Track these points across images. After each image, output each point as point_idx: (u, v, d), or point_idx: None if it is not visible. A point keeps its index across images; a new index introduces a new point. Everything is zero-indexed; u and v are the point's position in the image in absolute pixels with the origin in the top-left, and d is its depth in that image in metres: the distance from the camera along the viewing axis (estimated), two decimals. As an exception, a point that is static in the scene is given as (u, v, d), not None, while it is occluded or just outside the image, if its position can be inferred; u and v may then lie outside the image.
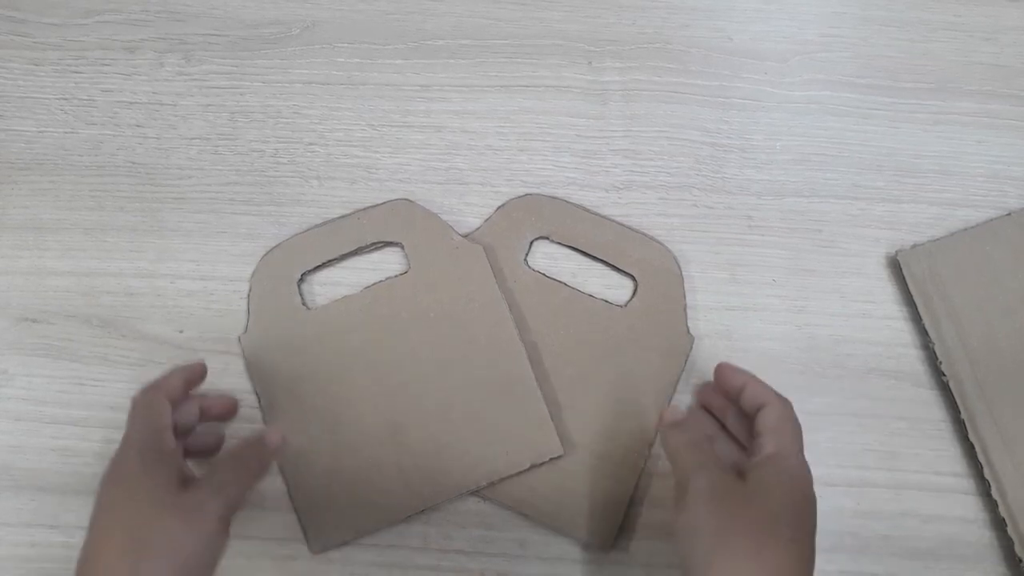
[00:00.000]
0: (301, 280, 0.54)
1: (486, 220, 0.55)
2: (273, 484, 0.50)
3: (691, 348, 0.52)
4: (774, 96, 0.59)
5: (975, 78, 0.60)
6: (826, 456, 0.51)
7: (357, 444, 0.50)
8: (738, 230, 0.56)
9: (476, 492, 0.50)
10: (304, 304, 0.53)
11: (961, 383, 0.51)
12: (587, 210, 0.56)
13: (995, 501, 0.49)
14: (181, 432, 0.45)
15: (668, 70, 0.60)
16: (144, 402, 0.43)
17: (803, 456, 0.42)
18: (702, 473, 0.40)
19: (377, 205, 0.55)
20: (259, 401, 0.51)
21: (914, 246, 0.55)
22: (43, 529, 0.49)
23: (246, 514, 0.48)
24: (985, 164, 0.58)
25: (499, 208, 0.56)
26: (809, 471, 0.41)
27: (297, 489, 0.49)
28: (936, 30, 0.61)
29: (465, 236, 0.54)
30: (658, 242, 0.55)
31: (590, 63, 0.60)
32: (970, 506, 0.50)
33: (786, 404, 0.43)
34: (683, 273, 0.54)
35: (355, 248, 0.54)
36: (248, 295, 0.53)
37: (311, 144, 0.58)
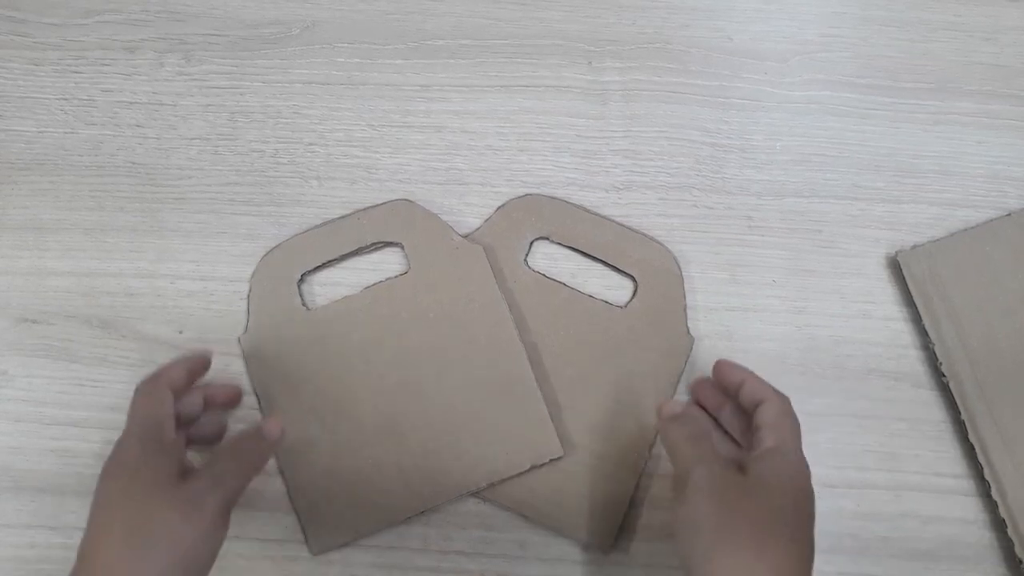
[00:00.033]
0: (301, 280, 0.54)
1: (486, 220, 0.55)
2: (273, 485, 0.50)
3: (691, 349, 0.52)
4: (774, 96, 0.59)
5: (975, 78, 0.60)
6: (826, 457, 0.51)
7: (357, 444, 0.50)
8: (738, 230, 0.56)
9: (476, 493, 0.50)
10: (304, 304, 0.53)
11: (961, 384, 0.51)
12: (587, 210, 0.56)
13: (995, 502, 0.49)
14: (184, 422, 0.45)
15: (668, 70, 0.60)
16: (146, 392, 0.43)
17: (802, 451, 0.42)
18: (702, 466, 0.40)
19: (377, 205, 0.55)
20: (259, 401, 0.51)
21: (914, 247, 0.55)
22: (43, 530, 0.49)
23: (246, 514, 0.48)
24: (985, 164, 0.58)
25: (499, 208, 0.56)
26: (808, 466, 0.41)
27: (297, 490, 0.49)
28: (936, 30, 0.61)
29: (465, 236, 0.54)
30: (658, 242, 0.55)
31: (590, 63, 0.60)
32: (970, 507, 0.50)
33: (785, 400, 0.44)
34: (683, 273, 0.54)
35: (355, 248, 0.54)
36: (248, 295, 0.53)
37: (311, 144, 0.57)
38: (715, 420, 0.49)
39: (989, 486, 0.49)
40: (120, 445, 0.41)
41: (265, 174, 0.57)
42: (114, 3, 0.61)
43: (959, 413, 0.51)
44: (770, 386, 0.44)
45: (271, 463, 0.50)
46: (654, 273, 0.54)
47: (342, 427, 0.50)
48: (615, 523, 0.49)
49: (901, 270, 0.54)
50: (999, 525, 0.49)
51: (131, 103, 0.58)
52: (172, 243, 0.55)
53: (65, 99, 0.58)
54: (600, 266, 0.55)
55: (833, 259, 0.55)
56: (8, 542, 0.49)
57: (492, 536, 0.50)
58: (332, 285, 0.54)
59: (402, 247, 0.54)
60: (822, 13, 0.62)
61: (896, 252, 0.54)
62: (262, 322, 0.53)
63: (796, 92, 0.59)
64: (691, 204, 0.56)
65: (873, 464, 0.51)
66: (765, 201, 0.57)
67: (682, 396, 0.52)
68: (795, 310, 0.54)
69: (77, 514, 0.49)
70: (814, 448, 0.49)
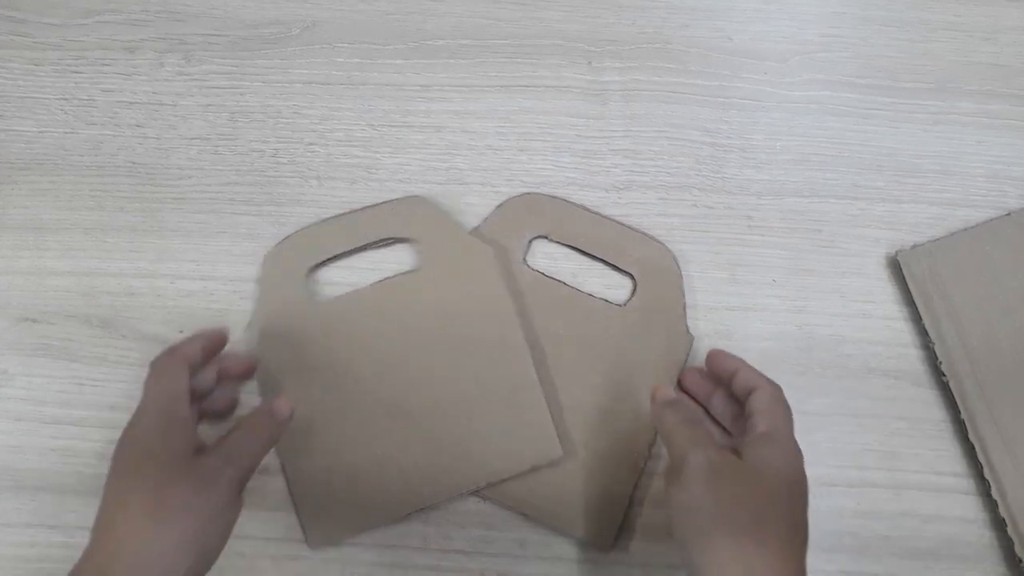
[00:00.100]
0: (311, 272, 0.54)
1: (484, 219, 0.55)
2: (273, 484, 0.50)
3: (690, 347, 0.52)
4: (774, 96, 0.59)
5: (975, 78, 0.60)
6: (826, 456, 0.51)
7: (358, 439, 0.50)
8: (738, 230, 0.56)
9: (475, 492, 0.50)
10: (312, 296, 0.53)
11: (961, 383, 0.51)
12: (586, 209, 0.56)
13: (995, 501, 0.49)
14: (198, 396, 0.45)
15: (668, 70, 0.60)
16: (162, 367, 0.43)
17: (794, 437, 0.42)
18: (699, 451, 0.40)
19: (390, 201, 0.55)
20: (260, 391, 0.51)
21: (914, 246, 0.55)
22: (43, 529, 0.49)
23: (246, 514, 0.48)
24: (985, 164, 0.58)
25: (498, 207, 0.56)
26: (800, 451, 0.42)
27: (297, 484, 0.49)
28: (936, 30, 0.61)
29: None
30: (657, 241, 0.55)
31: (590, 63, 0.60)
32: (970, 506, 0.50)
33: (777, 388, 0.44)
34: (683, 273, 0.54)
35: (366, 243, 0.54)
36: (256, 283, 0.53)
37: (311, 144, 0.58)
38: (704, 409, 0.49)
39: (989, 485, 0.49)
40: (135, 420, 0.41)
41: (265, 174, 0.57)
42: (114, 3, 0.61)
43: (959, 412, 0.51)
44: (763, 375, 0.45)
45: (273, 461, 0.50)
46: (653, 272, 0.54)
47: (343, 421, 0.50)
48: (615, 522, 0.49)
49: (901, 270, 0.54)
50: (999, 524, 0.49)
51: (131, 103, 0.58)
52: (172, 243, 0.55)
53: (65, 99, 0.58)
54: (599, 265, 0.55)
55: (833, 259, 0.55)
56: (8, 541, 0.49)
57: (492, 535, 0.50)
58: (341, 278, 0.54)
59: (413, 244, 0.54)
60: (822, 13, 0.62)
61: (896, 252, 0.54)
62: (269, 312, 0.52)
63: (796, 92, 0.60)
64: (691, 204, 0.56)
65: (873, 463, 0.51)
66: (765, 201, 0.57)
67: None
68: (795, 309, 0.54)
69: (77, 513, 0.49)
70: (814, 447, 0.49)
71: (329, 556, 0.49)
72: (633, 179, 0.57)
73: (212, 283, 0.54)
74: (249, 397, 0.51)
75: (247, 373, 0.50)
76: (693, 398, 0.50)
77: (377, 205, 0.55)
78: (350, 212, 0.55)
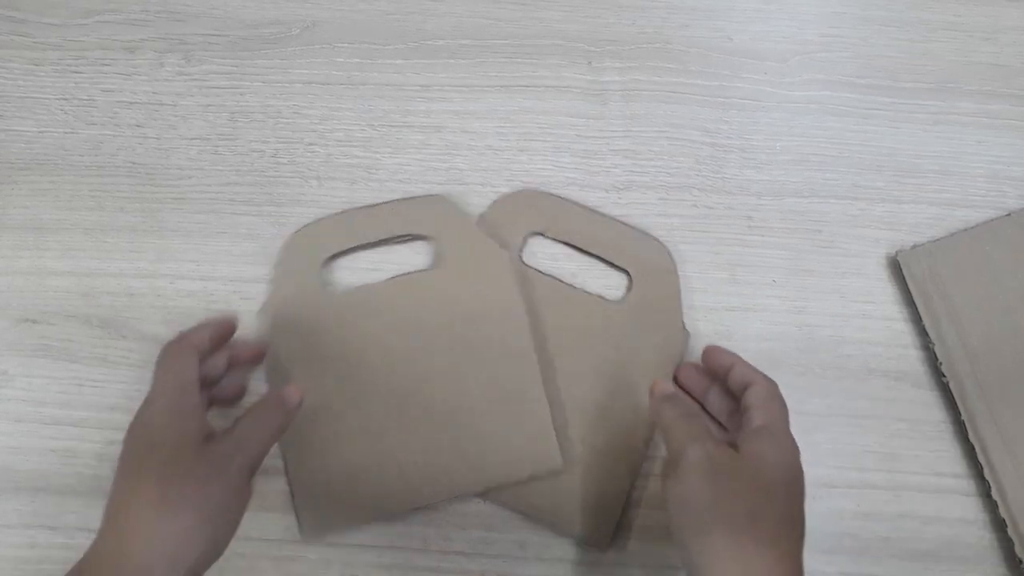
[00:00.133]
0: (327, 262, 0.53)
1: (480, 216, 0.55)
2: (273, 485, 0.50)
3: (687, 343, 0.52)
4: (774, 96, 0.59)
5: (975, 78, 0.60)
6: (826, 457, 0.51)
7: (359, 433, 0.50)
8: (738, 230, 0.56)
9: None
10: (327, 286, 0.53)
11: (961, 383, 0.51)
12: (582, 205, 0.56)
13: (995, 502, 0.49)
14: (207, 384, 0.45)
15: (668, 70, 0.60)
16: (171, 355, 0.43)
17: (790, 431, 0.43)
18: (697, 445, 0.41)
19: (413, 197, 0.55)
20: (268, 377, 0.51)
21: (914, 246, 0.55)
22: (43, 530, 0.49)
23: (246, 514, 0.48)
24: (985, 164, 0.58)
25: (492, 204, 0.55)
26: (796, 445, 0.42)
27: (295, 473, 0.49)
28: (936, 30, 0.61)
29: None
30: (653, 237, 0.55)
31: (590, 63, 0.60)
32: (970, 507, 0.50)
33: (772, 383, 0.44)
34: (683, 273, 0.54)
35: (385, 237, 0.54)
36: (273, 268, 0.53)
37: (311, 144, 0.57)
38: (700, 405, 0.49)
39: (989, 486, 0.49)
40: (145, 408, 0.41)
41: (265, 174, 0.57)
42: (114, 3, 0.61)
43: (959, 413, 0.51)
44: (759, 371, 0.45)
45: (273, 462, 0.50)
46: (649, 268, 0.54)
47: (347, 414, 0.50)
48: (612, 520, 0.49)
49: (901, 270, 0.54)
50: (999, 525, 0.49)
51: (131, 103, 0.58)
52: (172, 243, 0.55)
53: (65, 99, 0.58)
54: (595, 261, 0.55)
55: (833, 259, 0.55)
56: (8, 542, 0.49)
57: (492, 536, 0.50)
58: (357, 270, 0.54)
59: (431, 241, 0.54)
60: (822, 13, 0.62)
61: (896, 252, 0.54)
62: (283, 298, 0.52)
63: (796, 92, 0.59)
64: (691, 204, 0.56)
65: (873, 464, 0.51)
66: (765, 201, 0.57)
67: (681, 395, 0.52)
68: (795, 310, 0.54)
69: (77, 514, 0.49)
70: (814, 448, 0.49)
71: (329, 556, 0.49)
72: (633, 179, 0.57)
73: (212, 283, 0.54)
74: (258, 384, 0.51)
75: (257, 358, 0.50)
76: (689, 394, 0.50)
77: (399, 200, 0.55)
78: (371, 205, 0.55)
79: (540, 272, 0.54)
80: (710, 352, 0.48)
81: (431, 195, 0.55)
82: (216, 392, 0.47)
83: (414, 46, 0.60)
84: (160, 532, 0.37)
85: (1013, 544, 0.48)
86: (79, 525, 0.49)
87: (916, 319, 0.53)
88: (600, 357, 0.52)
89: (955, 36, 0.61)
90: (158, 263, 0.55)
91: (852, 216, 0.56)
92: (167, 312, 0.53)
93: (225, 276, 0.54)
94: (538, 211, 0.55)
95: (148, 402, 0.41)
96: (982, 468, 0.50)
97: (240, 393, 0.49)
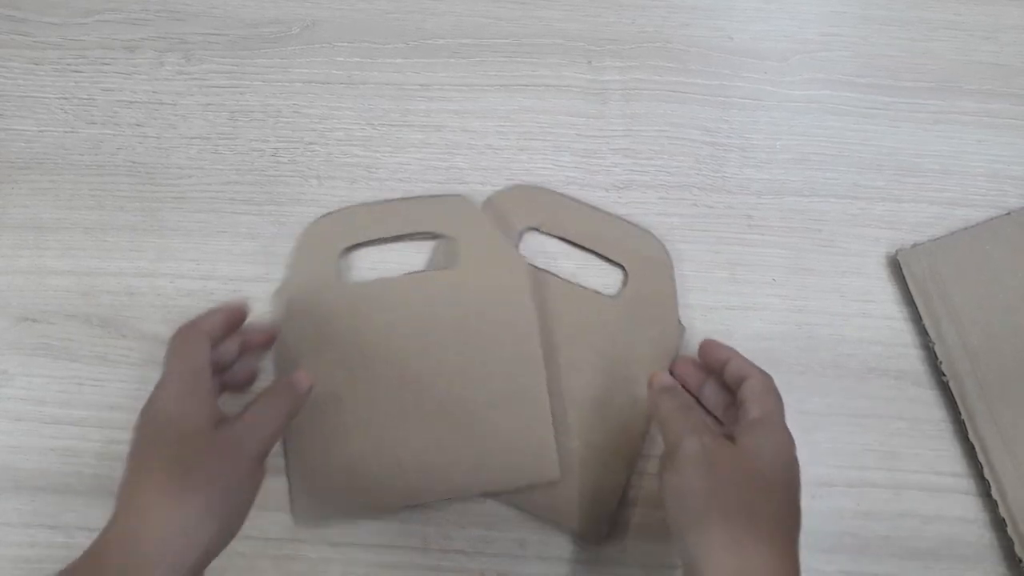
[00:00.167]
0: (345, 252, 0.54)
1: (476, 213, 0.55)
2: (273, 485, 0.50)
3: (682, 337, 0.52)
4: (774, 95, 0.59)
5: (975, 77, 0.60)
6: (826, 456, 0.51)
7: (361, 425, 0.50)
8: (738, 230, 0.56)
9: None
10: (342, 276, 0.53)
11: (961, 383, 0.51)
12: (577, 201, 0.56)
13: (995, 501, 0.49)
14: (219, 369, 0.45)
15: (668, 69, 0.60)
16: (182, 340, 0.43)
17: (785, 424, 0.43)
18: (694, 437, 0.41)
19: (436, 196, 0.55)
20: (276, 362, 0.51)
21: (914, 245, 0.55)
22: (43, 529, 0.49)
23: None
24: (985, 163, 0.58)
25: (488, 199, 0.56)
26: (792, 437, 0.42)
27: (294, 458, 0.49)
28: (936, 29, 0.61)
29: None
30: (648, 232, 0.55)
31: (590, 62, 0.60)
32: (970, 506, 0.50)
33: (768, 377, 0.44)
34: (683, 272, 0.54)
35: (405, 233, 0.54)
36: (292, 253, 0.54)
37: (311, 144, 0.57)
38: (696, 399, 0.49)
39: (989, 485, 0.49)
40: (157, 392, 0.41)
41: (265, 173, 0.57)
42: (114, 2, 0.61)
43: (959, 412, 0.51)
44: (755, 365, 0.45)
45: (273, 462, 0.49)
46: (644, 262, 0.54)
47: (351, 405, 0.50)
48: (607, 513, 0.49)
49: (901, 269, 0.54)
50: (999, 524, 0.49)
51: (131, 102, 0.58)
52: (172, 242, 0.55)
53: (65, 98, 0.58)
54: (591, 256, 0.55)
55: (833, 258, 0.55)
56: (8, 541, 0.49)
57: (492, 535, 0.50)
58: (373, 263, 0.54)
59: (450, 242, 0.54)
60: (822, 12, 0.62)
61: (896, 251, 0.54)
62: (298, 284, 0.53)
63: (796, 91, 0.59)
64: (691, 203, 0.56)
65: (873, 463, 0.51)
66: (765, 200, 0.57)
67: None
68: (795, 309, 0.54)
69: (77, 513, 0.49)
70: (814, 447, 0.50)
71: (329, 556, 0.49)
72: (633, 179, 0.57)
73: (212, 283, 0.54)
74: (270, 369, 0.51)
75: (269, 342, 0.50)
76: (684, 387, 0.50)
77: (421, 197, 0.55)
78: (394, 200, 0.55)
79: (536, 267, 0.54)
80: (707, 346, 0.48)
81: (454, 195, 0.55)
82: (227, 377, 0.47)
83: (414, 45, 0.60)
84: (172, 514, 0.37)
85: (1013, 543, 0.48)
86: (79, 524, 0.49)
87: (916, 318, 0.53)
88: (596, 351, 0.52)
89: (955, 35, 0.61)
90: (158, 262, 0.55)
91: (852, 215, 0.56)
92: (167, 311, 0.53)
93: (225, 275, 0.54)
94: (534, 206, 0.55)
95: (159, 387, 0.41)
96: (982, 467, 0.50)
97: (251, 378, 0.49)
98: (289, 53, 0.60)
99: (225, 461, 0.39)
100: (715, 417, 0.48)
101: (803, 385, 0.52)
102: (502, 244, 0.53)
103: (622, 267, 0.54)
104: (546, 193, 0.56)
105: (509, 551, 0.49)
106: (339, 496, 0.49)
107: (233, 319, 0.46)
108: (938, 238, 0.55)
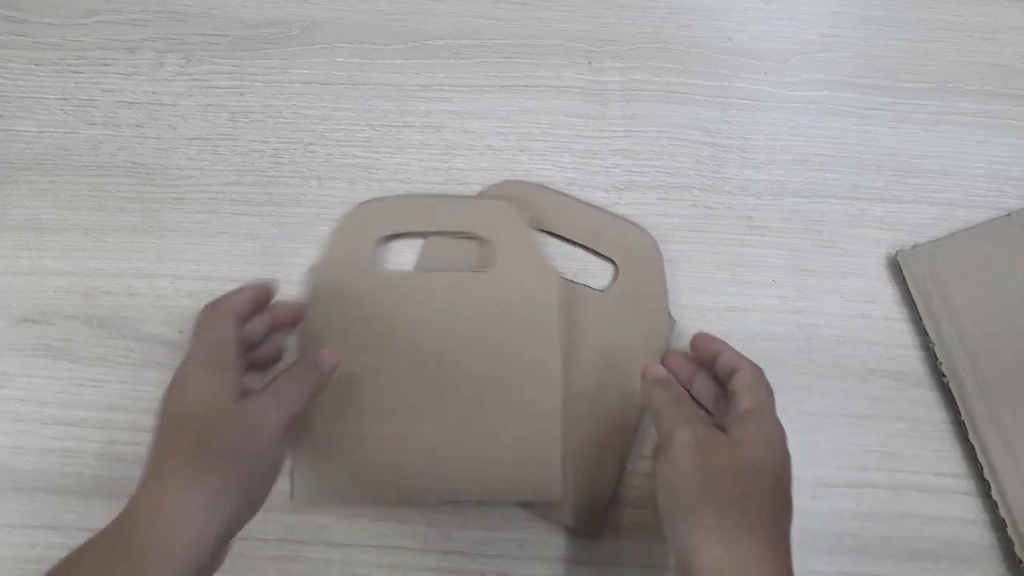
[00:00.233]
0: (382, 241, 0.54)
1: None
2: (274, 485, 0.49)
3: (673, 330, 0.52)
4: (774, 96, 0.59)
5: (975, 78, 0.60)
6: (826, 457, 0.51)
7: (370, 416, 0.50)
8: (738, 230, 0.56)
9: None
10: (375, 264, 0.53)
11: (961, 384, 0.51)
12: (567, 195, 0.56)
13: (995, 502, 0.49)
14: (245, 348, 0.45)
15: (668, 70, 0.60)
16: (208, 318, 0.43)
17: (776, 415, 0.43)
18: (687, 427, 0.41)
19: (480, 198, 0.55)
20: (298, 340, 0.51)
21: (914, 246, 0.55)
22: (43, 529, 0.49)
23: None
24: (985, 164, 0.58)
25: (478, 194, 0.56)
26: (783, 429, 0.42)
27: (300, 438, 0.49)
28: (936, 30, 0.61)
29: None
30: (638, 226, 0.55)
31: (590, 63, 0.60)
32: (970, 507, 0.50)
33: (758, 368, 0.45)
34: (683, 273, 0.54)
35: (444, 230, 0.54)
36: (330, 235, 0.54)
37: (311, 144, 0.57)
38: (687, 391, 0.49)
39: (989, 486, 0.49)
40: (182, 367, 0.41)
41: (265, 174, 0.57)
42: (114, 3, 0.61)
43: (959, 413, 0.51)
44: (746, 357, 0.45)
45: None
46: (634, 257, 0.54)
47: (364, 393, 0.50)
48: (601, 506, 0.49)
49: (901, 270, 0.54)
50: (999, 525, 0.49)
51: (131, 103, 0.58)
52: (172, 243, 0.55)
53: (65, 99, 0.58)
54: (580, 251, 0.55)
55: (833, 259, 0.55)
56: (8, 542, 0.49)
57: (492, 536, 0.50)
58: (408, 253, 0.54)
59: (488, 246, 0.53)
60: (822, 13, 0.62)
61: (896, 252, 0.54)
62: (332, 265, 0.53)
63: (796, 92, 0.59)
64: (691, 204, 0.56)
65: (873, 464, 0.51)
66: (765, 201, 0.57)
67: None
68: (795, 310, 0.54)
69: (77, 513, 0.49)
70: (814, 448, 0.49)
71: (329, 556, 0.49)
72: (633, 179, 0.57)
73: (212, 283, 0.54)
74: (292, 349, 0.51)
75: (296, 320, 0.49)
76: (676, 380, 0.50)
77: (465, 197, 0.56)
78: (437, 195, 0.56)
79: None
80: (699, 339, 0.48)
81: (497, 200, 0.55)
82: (253, 356, 0.47)
83: (414, 46, 0.60)
84: (194, 485, 0.37)
85: (1013, 544, 0.48)
86: (79, 525, 0.49)
87: (916, 319, 0.53)
88: (586, 345, 0.52)
89: (955, 36, 0.61)
90: (158, 263, 0.55)
91: (852, 216, 0.56)
92: (167, 312, 0.53)
93: (225, 276, 0.54)
94: (523, 202, 0.55)
95: (185, 362, 0.41)
96: (982, 468, 0.50)
97: (277, 357, 0.49)
98: (289, 54, 0.60)
99: (248, 434, 0.39)
100: (706, 409, 0.48)
101: (803, 386, 0.52)
102: (539, 256, 0.53)
103: (612, 262, 0.54)
104: (536, 188, 0.56)
105: (509, 552, 0.49)
106: (339, 481, 0.49)
107: (260, 297, 0.46)
108: (938, 239, 0.55)
